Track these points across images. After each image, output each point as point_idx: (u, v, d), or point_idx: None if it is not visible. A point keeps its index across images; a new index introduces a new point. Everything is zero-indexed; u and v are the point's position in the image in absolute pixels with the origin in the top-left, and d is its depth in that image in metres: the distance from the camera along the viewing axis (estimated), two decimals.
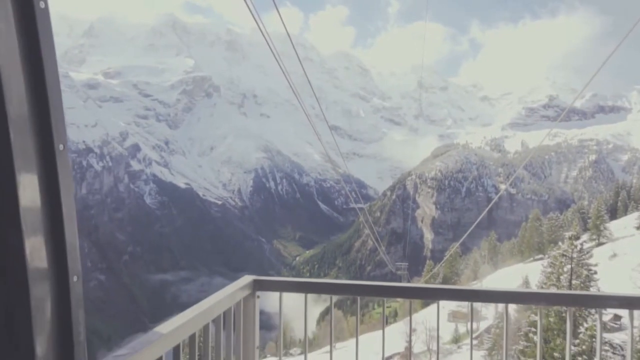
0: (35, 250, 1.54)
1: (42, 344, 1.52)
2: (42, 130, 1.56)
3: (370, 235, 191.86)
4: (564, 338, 17.82)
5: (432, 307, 59.25)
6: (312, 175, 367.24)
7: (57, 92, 1.60)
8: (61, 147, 1.63)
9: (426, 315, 43.84)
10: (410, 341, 4.31)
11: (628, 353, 3.03)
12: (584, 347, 16.37)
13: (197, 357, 2.41)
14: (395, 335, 43.60)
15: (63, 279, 1.64)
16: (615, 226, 71.11)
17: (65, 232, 1.67)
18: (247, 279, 3.17)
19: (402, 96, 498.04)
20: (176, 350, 2.24)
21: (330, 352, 3.46)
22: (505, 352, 3.61)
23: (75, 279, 1.68)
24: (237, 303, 2.98)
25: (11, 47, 1.43)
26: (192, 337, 2.38)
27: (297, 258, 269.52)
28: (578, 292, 3.07)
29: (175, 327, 2.21)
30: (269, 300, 3.34)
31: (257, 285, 3.19)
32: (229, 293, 2.86)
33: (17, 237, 1.49)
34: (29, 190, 1.52)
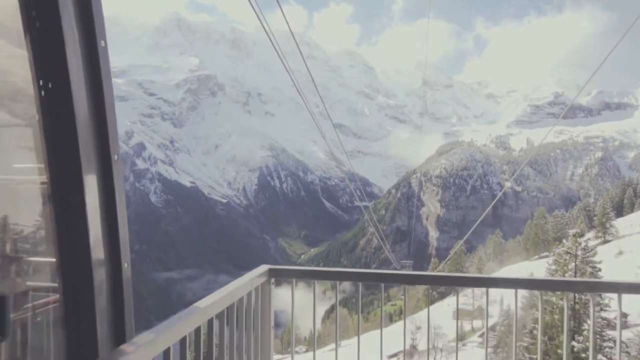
0: (97, 243, 1.96)
1: (101, 318, 1.95)
2: (101, 143, 2.00)
3: (375, 233, 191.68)
4: (569, 335, 17.85)
5: (437, 305, 59.27)
6: (316, 173, 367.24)
7: (113, 113, 2.04)
8: (115, 157, 2.05)
9: (430, 313, 43.75)
10: (404, 324, 4.46)
11: (590, 336, 3.31)
12: (587, 343, 16.38)
13: (226, 331, 2.78)
14: (400, 333, 43.60)
15: (117, 266, 2.06)
16: (621, 224, 70.80)
17: (119, 228, 2.08)
18: (263, 267, 3.51)
19: (406, 94, 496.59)
20: (210, 322, 2.57)
21: (337, 330, 3.80)
22: (486, 335, 4.02)
23: (125, 265, 2.10)
24: (256, 288, 3.30)
25: (79, 77, 1.88)
26: (220, 314, 2.71)
27: (302, 256, 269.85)
28: (549, 278, 3.47)
29: (209, 304, 2.56)
30: (273, 299, 3.62)
31: (272, 273, 3.54)
32: (249, 279, 3.18)
33: (84, 232, 1.92)
34: (91, 193, 1.94)
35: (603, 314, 19.99)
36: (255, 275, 3.30)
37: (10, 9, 1.61)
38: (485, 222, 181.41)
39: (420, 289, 67.98)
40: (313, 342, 3.82)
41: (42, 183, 1.92)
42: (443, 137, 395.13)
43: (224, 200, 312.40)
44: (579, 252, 21.87)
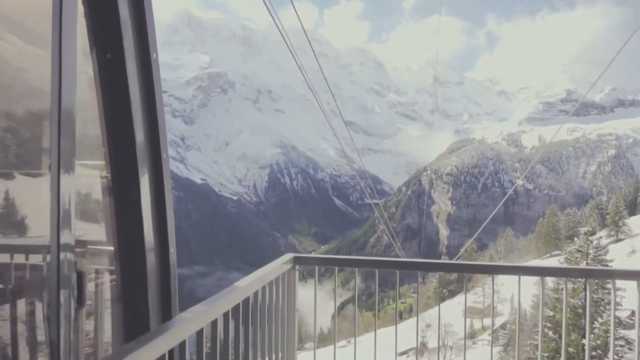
0: (149, 231, 2.22)
1: (152, 295, 2.22)
2: (153, 143, 2.27)
3: (385, 231, 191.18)
4: (579, 333, 17.79)
5: (447, 303, 59.14)
6: (327, 170, 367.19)
7: (162, 116, 2.32)
8: (165, 155, 2.32)
9: (442, 310, 43.58)
10: (417, 312, 4.79)
11: (587, 320, 3.76)
12: (598, 341, 16.31)
13: (258, 312, 2.99)
14: (410, 330, 43.50)
15: (165, 250, 2.33)
16: (634, 222, 70.10)
17: (167, 217, 2.36)
18: (288, 255, 3.76)
19: (417, 91, 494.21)
20: (247, 301, 2.77)
21: (355, 319, 4.09)
22: (492, 322, 4.60)
23: (172, 250, 2.37)
24: (283, 274, 3.53)
25: (135, 86, 2.15)
26: (255, 294, 2.93)
27: (312, 253, 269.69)
28: (548, 265, 3.88)
29: (245, 285, 2.79)
30: (297, 285, 3.81)
31: (297, 260, 3.81)
32: (275, 266, 3.38)
33: (138, 221, 2.18)
34: (145, 187, 2.20)
35: (616, 313, 19.78)
36: (281, 262, 3.53)
37: (25, 6, 1.70)
38: (496, 220, 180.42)
39: (431, 286, 67.89)
40: (333, 331, 4.31)
41: (102, 177, 2.14)
42: (454, 134, 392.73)
43: (235, 197, 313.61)
44: (591, 251, 21.71)
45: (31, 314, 1.74)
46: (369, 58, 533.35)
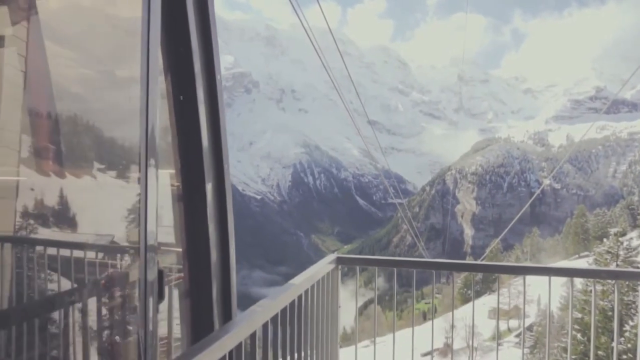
0: (212, 233, 2.46)
1: (216, 291, 2.46)
2: (217, 156, 2.53)
3: (409, 231, 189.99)
4: (609, 336, 17.38)
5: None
6: (350, 170, 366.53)
7: (225, 131, 2.58)
8: (226, 166, 2.58)
9: (467, 311, 43.26)
10: (452, 312, 4.99)
11: (615, 325, 3.84)
12: (629, 345, 15.90)
13: (309, 308, 3.23)
14: (434, 331, 43.10)
15: (226, 250, 2.58)
16: None
17: (228, 222, 2.58)
18: (332, 256, 4.05)
19: (441, 90, 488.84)
20: (300, 298, 3.00)
21: (394, 317, 4.37)
22: (522, 323, 4.62)
23: (232, 251, 2.62)
24: (327, 273, 3.76)
25: (202, 104, 2.43)
26: (306, 292, 3.17)
27: (335, 252, 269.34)
28: (577, 266, 3.95)
29: (298, 283, 3.01)
30: (340, 283, 4.02)
31: (339, 261, 4.07)
32: (321, 267, 3.62)
33: (204, 226, 2.42)
34: (210, 195, 2.46)
35: None
36: (326, 263, 3.79)
37: (53, 8, 1.73)
38: (522, 220, 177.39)
39: (456, 287, 67.14)
40: (373, 329, 4.52)
41: (173, 186, 2.39)
42: (479, 133, 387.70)
43: (258, 197, 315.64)
44: (621, 252, 21.18)
45: (122, 306, 1.98)
46: (392, 56, 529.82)
